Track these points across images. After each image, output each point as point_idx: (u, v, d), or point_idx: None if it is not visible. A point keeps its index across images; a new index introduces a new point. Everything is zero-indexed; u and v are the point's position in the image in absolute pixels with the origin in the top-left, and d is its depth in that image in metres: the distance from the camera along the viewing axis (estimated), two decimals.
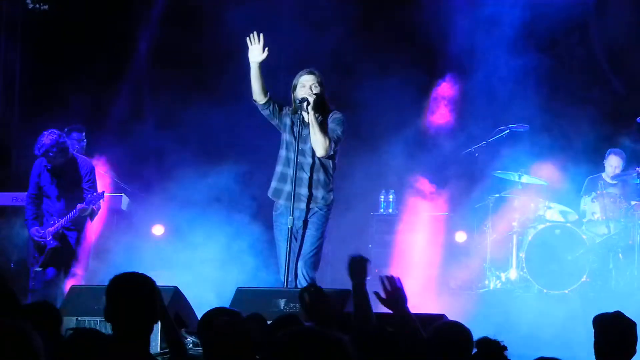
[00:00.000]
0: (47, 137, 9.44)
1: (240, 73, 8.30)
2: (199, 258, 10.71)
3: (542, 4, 12.17)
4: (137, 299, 4.51)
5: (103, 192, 9.76)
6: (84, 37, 12.84)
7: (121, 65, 13.05)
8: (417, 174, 12.00)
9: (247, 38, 8.26)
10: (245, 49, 8.32)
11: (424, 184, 11.95)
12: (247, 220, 11.19)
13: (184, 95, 12.35)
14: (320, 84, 8.30)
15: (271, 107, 8.34)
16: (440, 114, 12.33)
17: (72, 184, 9.64)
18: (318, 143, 8.20)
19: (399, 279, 5.14)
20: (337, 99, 8.54)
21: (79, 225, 9.68)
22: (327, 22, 12.07)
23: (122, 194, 11.44)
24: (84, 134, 10.67)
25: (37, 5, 12.52)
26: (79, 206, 9.48)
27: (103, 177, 10.97)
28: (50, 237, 9.56)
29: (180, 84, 12.56)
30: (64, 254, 9.62)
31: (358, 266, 5.36)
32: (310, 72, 8.31)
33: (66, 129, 10.19)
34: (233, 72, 8.44)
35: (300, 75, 8.31)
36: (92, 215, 9.72)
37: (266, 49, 8.21)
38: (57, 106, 12.21)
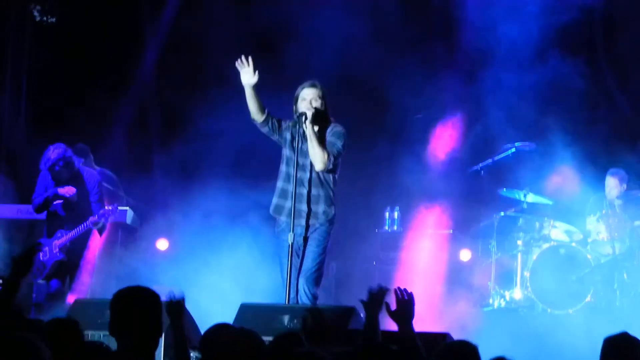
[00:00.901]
0: (54, 151, 9.45)
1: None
2: (204, 273, 10.68)
3: (549, 22, 12.16)
4: (141, 312, 4.51)
5: (116, 205, 9.76)
6: (92, 50, 12.87)
7: (128, 78, 13.07)
8: (422, 191, 11.97)
9: (237, 62, 8.11)
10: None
11: (429, 201, 11.93)
12: (252, 235, 11.16)
13: (189, 109, 12.34)
14: (322, 97, 8.16)
15: (270, 124, 8.22)
16: (446, 139, 12.33)
17: (80, 199, 9.60)
18: (317, 157, 8.05)
19: (412, 293, 5.24)
20: (338, 115, 8.46)
21: (85, 239, 9.68)
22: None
23: (127, 208, 11.43)
24: (90, 156, 10.73)
25: (45, 18, 12.55)
26: (91, 219, 9.47)
27: (108, 190, 10.98)
28: (57, 249, 9.55)
29: (185, 97, 12.55)
30: (68, 267, 9.62)
31: (378, 298, 5.39)
32: (312, 85, 8.18)
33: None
34: (237, 82, 8.35)
35: (302, 88, 8.19)
36: (101, 229, 9.71)
37: (256, 72, 8.07)
38: (64, 119, 12.22)
